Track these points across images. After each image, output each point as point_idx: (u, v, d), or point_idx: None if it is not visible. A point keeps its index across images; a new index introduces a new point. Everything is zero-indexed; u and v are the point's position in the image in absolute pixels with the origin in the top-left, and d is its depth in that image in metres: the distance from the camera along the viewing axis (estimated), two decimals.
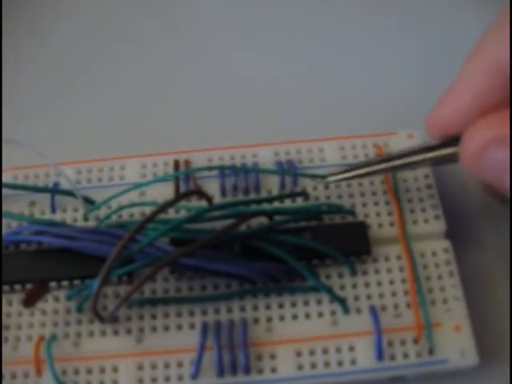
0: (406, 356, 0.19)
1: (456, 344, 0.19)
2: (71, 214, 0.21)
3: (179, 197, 0.19)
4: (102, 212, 0.21)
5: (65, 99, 0.26)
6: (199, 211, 0.19)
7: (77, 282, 0.20)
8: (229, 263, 0.19)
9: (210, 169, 0.21)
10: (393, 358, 0.19)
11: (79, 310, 0.20)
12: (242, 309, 0.19)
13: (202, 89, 0.26)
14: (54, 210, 0.21)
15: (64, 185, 0.22)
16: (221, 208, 0.19)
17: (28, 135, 0.22)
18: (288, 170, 0.21)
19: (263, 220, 0.20)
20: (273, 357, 0.19)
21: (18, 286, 0.20)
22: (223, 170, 0.21)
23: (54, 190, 0.21)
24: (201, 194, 0.20)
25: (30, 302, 0.19)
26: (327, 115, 0.24)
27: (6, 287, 0.20)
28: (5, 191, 0.22)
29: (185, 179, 0.21)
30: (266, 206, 0.21)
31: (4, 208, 0.21)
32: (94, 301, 0.18)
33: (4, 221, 0.21)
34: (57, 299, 0.20)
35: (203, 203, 0.21)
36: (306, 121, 0.24)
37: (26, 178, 0.22)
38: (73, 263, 0.20)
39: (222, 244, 0.19)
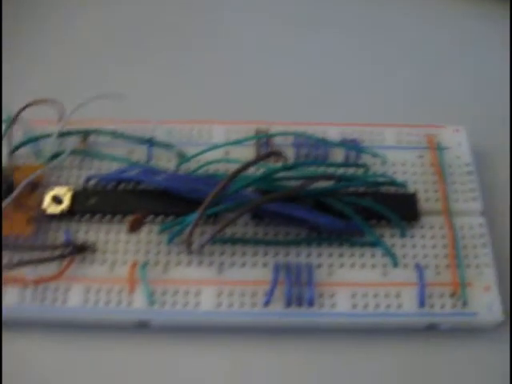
0: (442, 306, 0.22)
1: (485, 301, 0.22)
2: (164, 164, 0.25)
3: (264, 155, 0.23)
4: (192, 165, 0.25)
5: (165, 59, 0.30)
6: (284, 166, 0.23)
7: (169, 219, 0.24)
8: (303, 211, 0.22)
9: (286, 135, 0.25)
10: (432, 306, 0.22)
11: (170, 241, 0.23)
12: (308, 254, 0.23)
13: (282, 67, 0.30)
14: (149, 159, 0.25)
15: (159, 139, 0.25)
16: (301, 165, 0.23)
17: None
18: (353, 146, 0.25)
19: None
20: (332, 296, 0.22)
21: (118, 217, 0.24)
22: (298, 139, 0.25)
23: (152, 142, 0.25)
24: (279, 155, 0.23)
25: (134, 227, 0.22)
26: (387, 102, 0.28)
27: (108, 217, 0.24)
28: (107, 139, 0.25)
29: (264, 145, 0.25)
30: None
31: (107, 152, 0.25)
32: (190, 232, 0.22)
33: (106, 163, 0.25)
34: (150, 231, 0.23)
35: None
36: (368, 105, 0.28)
37: (125, 130, 0.26)
38: (168, 202, 0.23)
39: (297, 199, 0.23)
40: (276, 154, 0.23)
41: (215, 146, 0.25)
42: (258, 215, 0.23)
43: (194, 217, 0.22)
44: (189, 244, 0.22)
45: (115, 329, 0.22)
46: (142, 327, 0.23)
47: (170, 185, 0.23)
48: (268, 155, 0.23)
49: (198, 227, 0.22)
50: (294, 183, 0.23)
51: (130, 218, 0.22)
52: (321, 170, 0.24)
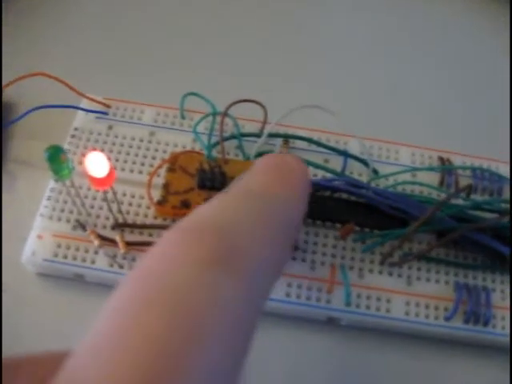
0: None
1: None
2: (355, 178, 0.27)
3: (465, 188, 0.26)
4: (380, 182, 0.27)
5: None
6: (477, 203, 0.26)
7: (365, 229, 0.26)
8: (489, 239, 0.25)
9: (471, 168, 0.28)
10: None
11: (366, 250, 0.26)
12: (484, 279, 0.26)
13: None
14: (343, 170, 0.27)
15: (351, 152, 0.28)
16: (486, 203, 0.26)
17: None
18: None
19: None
20: (503, 318, 0.25)
21: (318, 221, 0.26)
22: (475, 172, 0.28)
23: (350, 155, 0.27)
24: (470, 189, 0.26)
25: (345, 235, 0.25)
26: None
27: (309, 220, 0.26)
28: (304, 145, 0.28)
29: (448, 173, 0.28)
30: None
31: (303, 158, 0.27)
32: (397, 247, 0.25)
33: None
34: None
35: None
36: None
37: (319, 139, 0.28)
38: (367, 214, 0.26)
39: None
40: (470, 188, 0.26)
41: (405, 170, 0.27)
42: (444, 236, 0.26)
43: (401, 233, 0.24)
44: (388, 257, 0.25)
45: (307, 322, 0.25)
46: (329, 323, 0.25)
47: (374, 199, 0.26)
48: (468, 187, 0.26)
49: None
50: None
51: (344, 227, 0.25)
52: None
